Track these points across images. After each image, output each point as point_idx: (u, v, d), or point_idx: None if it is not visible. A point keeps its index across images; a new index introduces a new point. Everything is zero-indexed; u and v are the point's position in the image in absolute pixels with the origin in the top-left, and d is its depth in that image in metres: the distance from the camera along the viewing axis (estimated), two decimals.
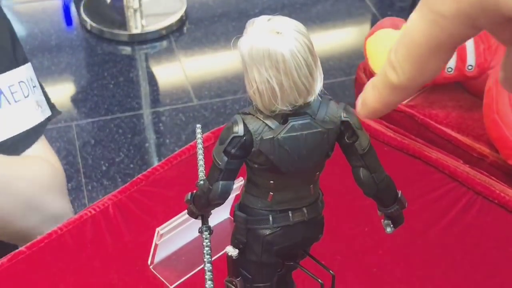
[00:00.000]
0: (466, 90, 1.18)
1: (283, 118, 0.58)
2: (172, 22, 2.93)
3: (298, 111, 0.58)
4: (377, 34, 1.13)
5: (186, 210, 0.88)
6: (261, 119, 0.58)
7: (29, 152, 1.07)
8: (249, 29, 0.55)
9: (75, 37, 2.94)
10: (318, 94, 0.58)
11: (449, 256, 0.95)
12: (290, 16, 0.57)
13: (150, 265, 0.93)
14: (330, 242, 0.80)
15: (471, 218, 1.00)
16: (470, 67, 1.10)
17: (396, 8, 3.06)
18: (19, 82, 1.05)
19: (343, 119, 0.60)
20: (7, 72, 1.03)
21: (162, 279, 0.92)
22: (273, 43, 0.54)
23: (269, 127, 0.58)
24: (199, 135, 0.77)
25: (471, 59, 1.10)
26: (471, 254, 0.95)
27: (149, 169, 1.06)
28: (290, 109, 0.57)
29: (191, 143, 1.12)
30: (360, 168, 0.62)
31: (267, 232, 0.63)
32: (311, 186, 0.63)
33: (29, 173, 1.04)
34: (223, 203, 0.63)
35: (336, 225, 0.97)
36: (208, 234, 0.67)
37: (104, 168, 2.39)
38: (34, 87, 1.08)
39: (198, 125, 0.79)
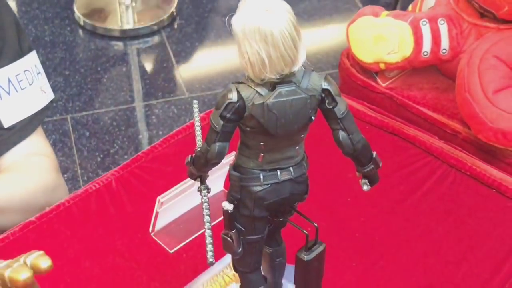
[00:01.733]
0: (441, 73, 1.27)
1: (271, 85, 0.66)
2: (163, 18, 3.01)
3: (285, 80, 0.66)
4: (358, 21, 1.22)
5: (184, 181, 0.97)
6: (252, 87, 0.66)
7: (29, 143, 1.13)
8: (241, 7, 0.64)
9: (68, 33, 3.01)
10: (302, 65, 0.67)
11: (424, 222, 1.04)
12: None
13: (151, 232, 1.01)
14: (316, 210, 0.88)
15: (445, 188, 1.09)
16: (444, 51, 1.19)
17: (382, 3, 3.14)
18: (24, 71, 1.13)
19: (324, 87, 0.68)
20: (14, 63, 1.11)
21: (163, 245, 1.00)
22: (263, 20, 0.63)
23: (259, 93, 0.66)
24: (195, 109, 0.86)
25: (445, 43, 1.19)
26: (445, 220, 1.04)
27: (148, 147, 1.15)
28: (278, 77, 0.65)
29: (187, 123, 1.20)
30: (339, 131, 0.70)
31: (258, 188, 0.72)
32: (297, 147, 0.72)
33: (37, 184, 1.11)
34: (219, 163, 0.71)
35: (322, 196, 1.06)
36: (206, 192, 0.75)
37: (99, 159, 2.46)
38: (38, 73, 1.16)
39: (195, 101, 0.87)
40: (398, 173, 1.11)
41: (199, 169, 0.74)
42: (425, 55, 1.19)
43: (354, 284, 0.95)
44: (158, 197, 0.97)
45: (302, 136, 0.71)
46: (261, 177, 0.72)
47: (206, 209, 0.73)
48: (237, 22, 0.64)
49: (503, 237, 1.01)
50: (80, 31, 3.03)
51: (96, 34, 3.00)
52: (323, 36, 3.08)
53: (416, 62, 1.20)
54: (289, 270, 0.83)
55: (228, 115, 0.67)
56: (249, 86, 0.67)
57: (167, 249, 1.00)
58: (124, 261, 0.98)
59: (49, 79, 1.22)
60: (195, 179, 0.77)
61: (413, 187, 1.09)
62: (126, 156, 2.48)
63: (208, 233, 0.71)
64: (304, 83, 0.67)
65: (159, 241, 1.01)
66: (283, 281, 0.87)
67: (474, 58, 1.13)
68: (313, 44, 2.95)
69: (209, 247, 0.69)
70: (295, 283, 0.78)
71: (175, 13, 3.08)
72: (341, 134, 0.71)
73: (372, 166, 0.75)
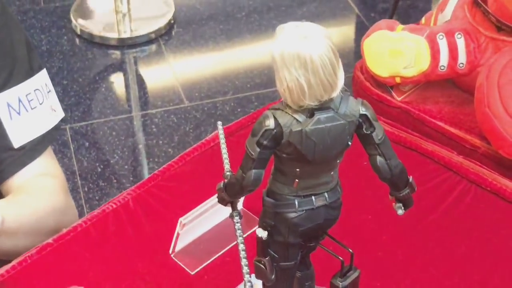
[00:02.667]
0: (457, 86, 1.26)
1: (310, 112, 0.65)
2: (161, 26, 2.99)
3: (323, 106, 0.65)
4: (373, 36, 1.21)
5: (206, 202, 0.96)
6: (290, 113, 0.65)
7: (39, 163, 1.12)
8: (279, 35, 0.63)
9: (65, 42, 2.99)
10: (341, 92, 0.66)
11: (446, 240, 1.03)
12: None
13: (172, 253, 1.00)
14: (338, 229, 0.87)
15: (465, 205, 1.08)
16: (461, 65, 1.19)
17: (379, 9, 3.15)
18: (34, 90, 1.11)
19: (362, 112, 0.67)
20: (24, 82, 1.09)
21: (184, 266, 0.99)
22: (302, 47, 0.61)
23: (297, 120, 0.65)
24: (221, 131, 0.85)
25: (462, 57, 1.18)
26: (467, 238, 1.03)
27: (164, 165, 1.13)
28: (316, 104, 0.64)
29: (202, 141, 1.19)
30: (376, 156, 0.69)
31: (293, 215, 0.71)
32: (332, 173, 0.71)
33: (47, 206, 1.10)
34: (255, 190, 0.70)
35: (343, 215, 1.05)
36: (239, 218, 0.74)
37: (99, 169, 2.44)
38: (48, 92, 1.14)
39: (219, 122, 0.86)
40: (418, 189, 1.09)
41: (233, 196, 0.72)
42: (442, 69, 1.19)
43: None
44: (180, 219, 0.95)
45: (338, 161, 0.70)
46: (296, 203, 0.70)
47: (240, 236, 0.72)
48: (276, 49, 0.63)
49: None
50: (77, 40, 3.01)
51: (93, 43, 2.98)
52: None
53: (433, 76, 1.20)
54: None
55: (265, 142, 0.66)
56: (286, 112, 0.65)
57: (188, 270, 0.99)
58: (145, 284, 0.97)
59: None
60: (225, 205, 0.76)
61: (434, 203, 1.08)
62: (126, 167, 2.46)
63: (244, 262, 0.69)
64: (342, 109, 0.66)
65: (179, 263, 0.99)
66: None
67: (493, 72, 1.12)
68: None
69: (245, 269, 0.68)
70: None
71: (172, 21, 3.06)
72: (379, 159, 0.70)
73: (408, 190, 0.74)
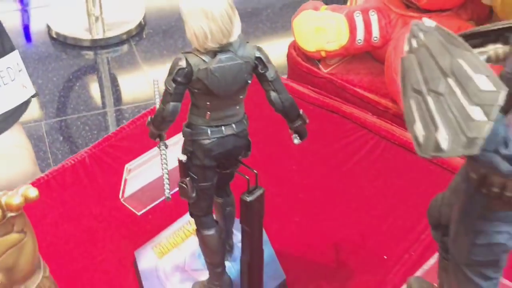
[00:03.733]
0: (375, 58, 1.44)
1: (213, 54, 0.82)
2: (132, 28, 3.16)
3: (224, 49, 0.82)
4: (301, 15, 1.38)
5: (150, 151, 1.13)
6: (198, 55, 0.82)
7: (11, 134, 1.27)
8: None
9: (40, 44, 3.14)
10: (239, 38, 0.83)
11: (358, 184, 1.20)
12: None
13: (121, 198, 1.16)
14: (265, 178, 1.02)
15: (376, 156, 1.26)
16: (375, 39, 1.36)
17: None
18: (7, 68, 1.27)
19: (257, 55, 0.85)
20: None
21: (131, 208, 1.15)
22: (204, 1, 0.79)
23: (204, 60, 0.82)
24: (156, 87, 1.01)
25: (375, 32, 1.36)
26: (375, 181, 1.20)
27: (117, 128, 1.30)
28: (218, 47, 0.81)
29: (152, 107, 1.35)
30: (270, 91, 0.87)
31: (207, 142, 0.87)
32: (237, 107, 0.88)
33: (19, 173, 1.25)
34: (173, 121, 0.87)
35: (271, 164, 1.22)
36: (164, 147, 0.91)
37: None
38: (20, 71, 1.30)
39: (155, 78, 1.03)
40: (337, 144, 1.27)
41: (157, 127, 0.89)
42: (359, 43, 1.36)
43: (296, 234, 1.11)
44: (126, 165, 1.12)
45: (241, 97, 0.87)
46: (209, 132, 0.87)
47: (164, 159, 0.89)
48: (184, 4, 0.80)
49: (425, 194, 1.17)
50: (52, 42, 3.17)
51: (67, 44, 3.13)
52: (285, 42, 3.24)
53: (352, 49, 1.37)
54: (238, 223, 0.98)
55: (179, 79, 0.83)
56: (195, 55, 0.82)
57: (135, 212, 1.15)
58: (97, 223, 1.13)
59: None
60: (155, 139, 0.92)
61: (349, 155, 1.25)
62: None
63: (165, 176, 0.86)
64: (240, 52, 0.83)
65: (128, 206, 1.16)
66: (234, 230, 1.03)
67: (400, 42, 1.30)
68: (275, 49, 3.11)
69: (166, 185, 0.85)
70: (240, 222, 0.93)
71: (143, 23, 3.23)
72: (272, 94, 0.87)
73: (300, 122, 0.91)
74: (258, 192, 0.91)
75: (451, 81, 0.64)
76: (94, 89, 2.92)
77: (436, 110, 0.64)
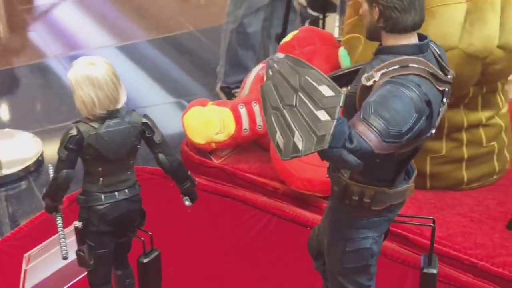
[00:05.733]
0: (263, 148, 1.53)
1: (102, 120, 0.89)
2: (29, 164, 3.17)
3: (112, 115, 0.90)
4: (190, 111, 1.48)
5: (49, 239, 1.15)
6: (87, 122, 0.89)
7: None
8: (73, 65, 0.88)
9: None
10: (126, 106, 0.91)
11: (255, 256, 1.26)
12: None
13: None
14: (167, 248, 1.07)
15: (270, 231, 1.33)
16: (259, 127, 1.46)
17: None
18: None
19: (143, 121, 0.93)
20: None
21: None
22: (90, 70, 0.87)
23: (93, 127, 0.89)
24: (51, 171, 1.06)
25: (259, 121, 1.46)
26: (272, 253, 1.27)
27: (16, 228, 1.32)
28: (106, 113, 0.89)
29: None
30: (158, 153, 0.94)
31: (101, 207, 0.93)
32: (129, 172, 0.94)
33: None
34: (68, 188, 0.92)
35: (170, 233, 1.26)
36: (60, 217, 0.95)
37: None
38: None
39: (50, 165, 1.08)
40: (231, 224, 1.34)
41: (53, 197, 0.93)
42: (246, 132, 1.47)
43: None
44: (25, 254, 1.14)
45: (131, 162, 0.94)
46: (103, 197, 0.93)
47: (60, 227, 0.93)
48: (71, 74, 0.88)
49: None
50: None
51: None
52: None
53: (240, 138, 1.47)
54: None
55: (70, 146, 0.89)
56: (85, 122, 0.89)
57: None
58: None
59: None
60: (51, 212, 0.96)
61: (244, 232, 1.32)
62: None
63: (62, 236, 0.90)
64: (127, 118, 0.91)
65: None
66: None
67: None
68: None
69: (63, 245, 0.89)
70: (138, 285, 0.97)
71: (41, 159, 3.24)
72: (160, 156, 0.94)
73: (189, 183, 0.98)
74: (153, 254, 0.96)
75: (301, 94, 0.78)
76: None
77: (291, 120, 0.77)
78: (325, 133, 0.75)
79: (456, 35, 1.29)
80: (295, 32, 1.49)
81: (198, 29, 2.91)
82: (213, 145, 1.48)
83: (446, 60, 0.86)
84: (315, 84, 0.77)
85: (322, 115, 0.76)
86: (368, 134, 0.77)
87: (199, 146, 1.48)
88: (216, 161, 1.49)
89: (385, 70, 0.80)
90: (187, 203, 0.99)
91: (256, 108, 1.47)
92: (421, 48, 0.82)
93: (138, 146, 0.93)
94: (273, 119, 0.79)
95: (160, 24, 3.08)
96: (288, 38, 1.48)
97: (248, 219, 1.36)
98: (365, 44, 1.36)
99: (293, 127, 0.77)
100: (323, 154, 0.77)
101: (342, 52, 1.40)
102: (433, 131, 0.82)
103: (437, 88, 0.81)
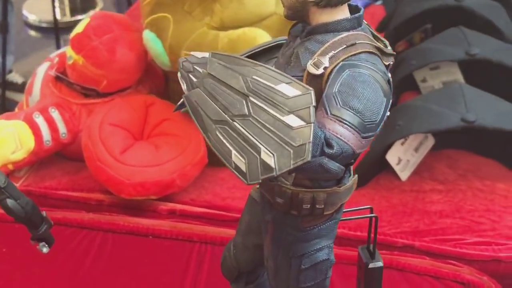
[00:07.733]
0: (67, 157, 1.33)
1: None
2: None
3: None
4: None
5: None
6: None
7: None
8: None
9: None
10: None
11: (102, 280, 1.09)
12: None
13: None
14: None
15: (109, 250, 1.15)
16: (63, 135, 1.26)
17: None
18: None
19: None
20: None
21: None
22: None
23: None
24: None
25: (62, 128, 1.26)
26: (120, 272, 1.11)
27: None
28: None
29: None
30: (6, 199, 0.73)
31: None
32: None
33: None
34: None
35: None
36: None
37: None
38: None
39: None
40: (62, 255, 1.14)
41: None
42: (48, 144, 1.25)
43: None
44: None
45: None
46: None
47: None
48: None
49: (169, 269, 1.11)
50: None
51: None
52: None
53: (42, 152, 1.26)
54: None
55: None
56: None
57: None
58: None
59: None
60: None
61: (81, 259, 1.13)
62: None
63: None
64: None
65: None
66: None
67: (92, 130, 1.22)
68: None
69: None
70: None
71: None
72: (9, 201, 0.74)
73: (46, 225, 0.78)
74: None
75: (253, 99, 0.62)
76: None
77: (248, 133, 0.61)
78: (304, 141, 0.60)
79: (272, 1, 1.23)
80: (86, 20, 1.30)
81: None
82: (10, 166, 1.25)
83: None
84: (269, 83, 0.62)
85: (293, 120, 0.60)
86: (343, 133, 0.64)
87: None
88: (16, 185, 1.26)
89: (333, 52, 0.66)
90: (45, 250, 0.80)
91: (55, 114, 1.27)
92: (359, 21, 0.70)
93: None
94: (219, 136, 0.62)
95: None
96: (80, 28, 1.28)
97: (79, 243, 1.16)
98: (175, 24, 1.23)
99: (254, 141, 0.61)
100: (298, 168, 0.61)
101: (148, 35, 1.24)
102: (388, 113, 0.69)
103: (383, 64, 0.70)
